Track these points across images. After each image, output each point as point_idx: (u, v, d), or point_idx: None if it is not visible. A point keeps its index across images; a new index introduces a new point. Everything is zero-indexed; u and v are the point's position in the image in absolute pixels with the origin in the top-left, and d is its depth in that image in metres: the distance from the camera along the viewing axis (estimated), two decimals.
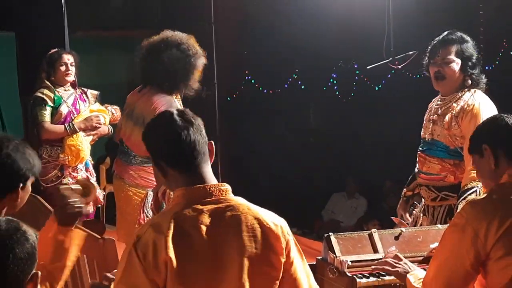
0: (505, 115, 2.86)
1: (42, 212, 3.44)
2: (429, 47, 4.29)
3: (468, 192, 3.93)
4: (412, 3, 6.41)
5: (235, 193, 2.56)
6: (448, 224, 3.40)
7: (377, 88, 8.33)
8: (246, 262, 2.41)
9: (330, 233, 3.52)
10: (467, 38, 4.24)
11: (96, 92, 5.76)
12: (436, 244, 3.18)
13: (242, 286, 2.40)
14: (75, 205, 2.89)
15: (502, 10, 7.94)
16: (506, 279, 2.64)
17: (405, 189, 4.50)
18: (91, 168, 5.63)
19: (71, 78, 5.48)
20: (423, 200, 4.34)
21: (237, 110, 7.52)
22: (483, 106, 4.06)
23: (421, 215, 4.27)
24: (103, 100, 6.25)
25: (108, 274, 2.73)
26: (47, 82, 5.40)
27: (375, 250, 3.45)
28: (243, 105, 7.02)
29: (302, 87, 8.36)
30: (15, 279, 2.18)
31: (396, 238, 3.51)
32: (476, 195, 3.87)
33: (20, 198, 2.77)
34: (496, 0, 7.91)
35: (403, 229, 3.63)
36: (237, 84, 7.71)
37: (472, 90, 4.16)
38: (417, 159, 4.36)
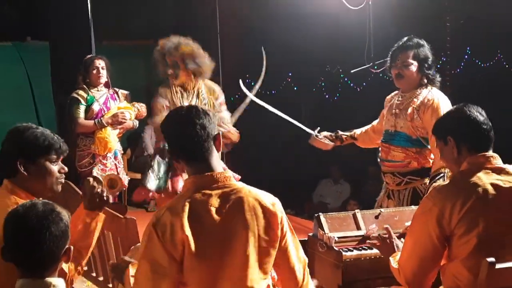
0: (468, 107, 2.84)
1: (73, 195, 3.44)
2: (390, 52, 4.28)
3: (438, 177, 3.94)
4: (389, 16, 6.40)
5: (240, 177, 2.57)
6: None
7: (359, 90, 8.32)
8: (250, 236, 2.43)
9: (320, 213, 3.52)
10: (423, 42, 4.23)
11: (126, 92, 5.80)
12: (410, 222, 3.17)
13: (247, 256, 2.43)
14: (102, 195, 2.89)
15: (466, 22, 7.92)
16: (467, 251, 2.66)
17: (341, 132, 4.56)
18: (119, 156, 5.64)
19: (103, 80, 5.52)
20: (384, 185, 4.32)
21: (238, 106, 7.56)
22: (441, 101, 4.09)
23: (386, 198, 4.25)
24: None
25: (126, 257, 2.72)
26: (83, 84, 5.44)
27: (358, 228, 3.46)
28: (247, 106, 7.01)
29: (295, 88, 8.36)
30: (51, 253, 2.18)
31: (376, 217, 3.52)
32: (444, 180, 3.87)
33: (36, 177, 2.69)
34: (461, 13, 7.88)
35: (382, 209, 3.64)
36: (238, 86, 7.71)
37: (429, 87, 4.18)
38: (380, 149, 4.35)
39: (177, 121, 2.54)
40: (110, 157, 5.48)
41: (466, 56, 8.23)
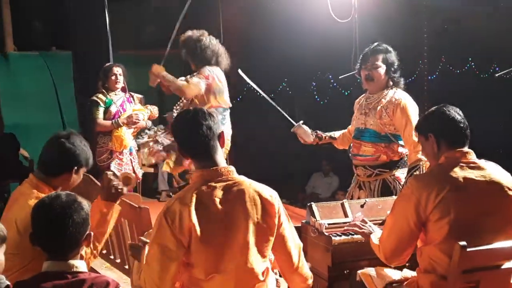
0: (447, 108, 2.83)
1: (93, 187, 3.44)
2: (361, 56, 4.22)
3: (414, 169, 3.91)
4: (373, 28, 6.39)
5: (241, 171, 2.56)
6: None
7: (346, 93, 8.32)
8: (250, 224, 2.43)
9: (312, 203, 3.52)
10: (391, 49, 4.16)
11: (140, 96, 5.81)
12: None
13: (247, 241, 2.43)
14: (118, 187, 2.90)
15: (442, 34, 7.92)
16: (441, 236, 2.66)
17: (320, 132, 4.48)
18: (134, 152, 5.62)
19: (120, 85, 5.52)
20: (355, 177, 4.26)
21: (241, 109, 7.55)
22: (407, 100, 4.03)
23: (358, 189, 4.20)
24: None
25: (142, 238, 2.73)
26: (101, 88, 5.45)
27: (346, 215, 3.44)
28: (246, 105, 7.01)
29: (290, 92, 8.34)
30: (74, 238, 2.19)
31: (362, 206, 3.50)
32: (420, 171, 3.87)
33: (72, 180, 2.79)
34: (438, 26, 7.89)
35: (367, 199, 3.62)
36: (242, 90, 7.72)
37: (394, 89, 4.11)
38: (351, 145, 4.28)
39: (185, 123, 2.55)
40: (126, 153, 5.48)
41: (441, 64, 8.24)
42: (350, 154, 4.30)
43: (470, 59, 8.07)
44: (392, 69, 4.12)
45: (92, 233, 2.32)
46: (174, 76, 5.00)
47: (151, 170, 8.32)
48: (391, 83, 4.13)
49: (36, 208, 2.22)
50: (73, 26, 6.78)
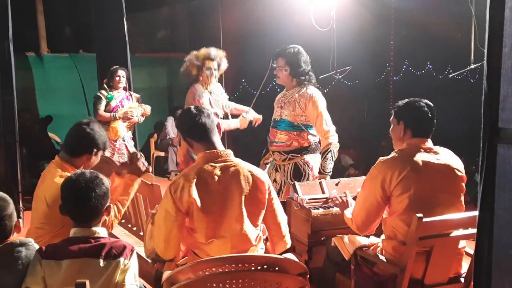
0: (422, 104, 2.77)
1: (111, 166, 3.42)
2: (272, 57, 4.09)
3: (326, 152, 3.87)
4: (348, 36, 6.37)
5: (236, 155, 2.57)
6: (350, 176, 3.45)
7: (325, 91, 8.31)
8: (243, 198, 2.44)
9: (295, 182, 3.53)
10: (297, 51, 3.99)
11: (138, 95, 5.89)
12: None
13: (242, 212, 2.45)
14: (145, 164, 2.91)
15: (405, 42, 7.91)
16: (402, 208, 2.68)
17: (262, 159, 4.31)
18: (127, 139, 5.69)
19: (122, 85, 5.61)
20: (273, 161, 4.14)
21: (237, 103, 7.59)
22: (317, 96, 3.94)
23: (274, 171, 4.09)
24: (151, 98, 6.28)
25: (153, 211, 2.73)
26: (105, 86, 5.57)
27: (323, 192, 3.45)
28: (241, 102, 6.97)
29: (278, 90, 8.30)
30: (96, 209, 2.18)
31: (336, 184, 3.51)
32: (332, 154, 3.87)
33: (92, 160, 2.78)
34: (402, 35, 7.88)
35: (341, 179, 3.62)
36: (237, 88, 7.69)
37: (306, 86, 3.98)
38: (269, 134, 4.15)
39: (188, 115, 2.58)
40: (119, 141, 5.58)
41: (404, 66, 8.23)
42: (268, 141, 4.18)
43: (428, 62, 8.08)
44: (297, 70, 3.96)
45: (111, 205, 2.33)
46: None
47: (162, 153, 8.31)
48: (295, 81, 3.99)
49: (65, 183, 2.22)
50: (97, 32, 6.74)
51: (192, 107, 2.64)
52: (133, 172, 2.90)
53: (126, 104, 5.63)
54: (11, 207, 2.13)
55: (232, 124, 4.57)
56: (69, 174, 2.44)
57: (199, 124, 2.52)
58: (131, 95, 5.75)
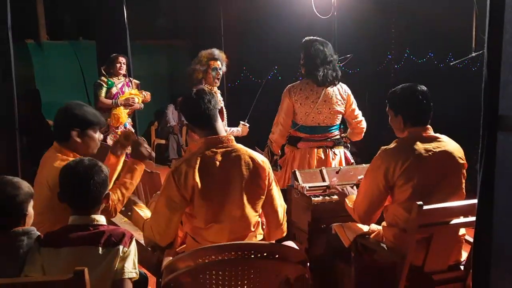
0: (418, 92, 2.75)
1: (102, 150, 3.38)
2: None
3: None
4: (349, 24, 6.34)
5: (237, 141, 2.56)
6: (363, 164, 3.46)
7: None
8: (243, 183, 2.45)
9: (296, 170, 3.52)
10: (306, 44, 4.07)
11: (137, 82, 5.89)
12: (361, 176, 3.18)
13: (242, 198, 2.45)
14: (148, 149, 2.89)
15: (407, 30, 7.87)
16: (404, 197, 2.68)
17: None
18: (128, 126, 5.68)
19: (123, 72, 5.61)
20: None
21: (237, 92, 7.54)
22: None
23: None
24: (151, 86, 6.27)
25: (155, 194, 2.73)
26: (105, 73, 5.57)
27: (323, 180, 3.45)
28: (242, 89, 6.97)
29: (279, 78, 8.28)
30: (95, 196, 2.18)
31: (337, 172, 3.51)
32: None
33: (85, 141, 2.65)
34: (403, 22, 7.83)
35: (341, 167, 3.62)
36: (238, 75, 7.67)
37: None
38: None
39: (191, 100, 2.55)
40: (121, 127, 5.57)
41: (406, 55, 8.19)
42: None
43: (430, 50, 8.03)
44: (301, 61, 4.09)
45: (110, 193, 2.31)
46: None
47: (163, 141, 8.31)
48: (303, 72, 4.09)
49: (63, 170, 2.21)
50: (97, 19, 6.70)
51: (194, 92, 2.58)
52: (136, 157, 2.86)
53: (126, 91, 5.63)
54: (24, 193, 2.10)
55: (235, 132, 4.55)
56: (69, 159, 2.43)
57: (200, 111, 2.50)
58: (131, 82, 5.75)
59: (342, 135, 4.17)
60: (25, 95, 7.12)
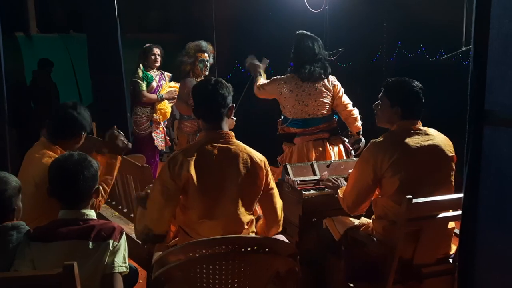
0: (413, 83, 2.77)
1: (93, 142, 3.41)
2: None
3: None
4: (341, 18, 6.35)
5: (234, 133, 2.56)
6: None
7: None
8: (240, 181, 2.44)
9: (287, 163, 3.53)
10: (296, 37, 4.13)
11: (170, 74, 5.53)
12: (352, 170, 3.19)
13: (237, 196, 2.45)
14: (125, 142, 2.89)
15: (399, 24, 7.89)
16: (393, 189, 2.71)
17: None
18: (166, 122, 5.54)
19: (157, 64, 5.30)
20: None
21: (231, 84, 7.56)
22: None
23: None
24: None
25: (141, 193, 2.71)
26: (141, 67, 5.25)
27: (314, 174, 3.46)
28: (234, 83, 6.96)
29: (272, 71, 8.28)
30: (85, 191, 2.17)
31: (328, 166, 3.52)
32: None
33: (79, 143, 2.80)
34: (395, 16, 7.84)
35: (331, 161, 3.64)
36: (230, 69, 7.65)
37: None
38: None
39: (205, 89, 2.51)
40: (163, 123, 5.38)
41: (397, 49, 8.21)
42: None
43: (421, 45, 8.06)
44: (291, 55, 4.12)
45: (100, 187, 2.32)
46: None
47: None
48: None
49: (53, 165, 2.21)
50: (87, 12, 6.64)
51: (213, 79, 2.55)
52: (113, 151, 2.89)
53: (163, 84, 5.33)
54: (12, 187, 2.10)
55: None
56: (57, 155, 2.44)
57: (211, 102, 2.48)
58: (163, 74, 5.43)
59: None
60: (15, 88, 7.10)
